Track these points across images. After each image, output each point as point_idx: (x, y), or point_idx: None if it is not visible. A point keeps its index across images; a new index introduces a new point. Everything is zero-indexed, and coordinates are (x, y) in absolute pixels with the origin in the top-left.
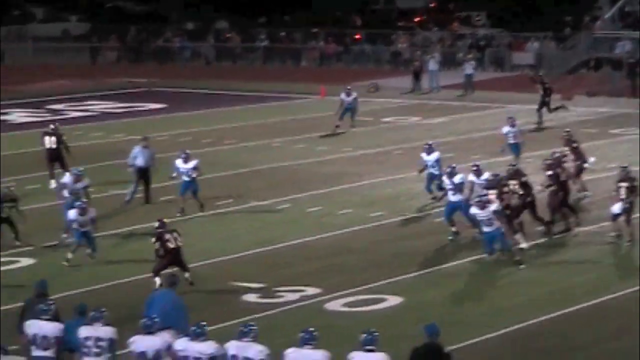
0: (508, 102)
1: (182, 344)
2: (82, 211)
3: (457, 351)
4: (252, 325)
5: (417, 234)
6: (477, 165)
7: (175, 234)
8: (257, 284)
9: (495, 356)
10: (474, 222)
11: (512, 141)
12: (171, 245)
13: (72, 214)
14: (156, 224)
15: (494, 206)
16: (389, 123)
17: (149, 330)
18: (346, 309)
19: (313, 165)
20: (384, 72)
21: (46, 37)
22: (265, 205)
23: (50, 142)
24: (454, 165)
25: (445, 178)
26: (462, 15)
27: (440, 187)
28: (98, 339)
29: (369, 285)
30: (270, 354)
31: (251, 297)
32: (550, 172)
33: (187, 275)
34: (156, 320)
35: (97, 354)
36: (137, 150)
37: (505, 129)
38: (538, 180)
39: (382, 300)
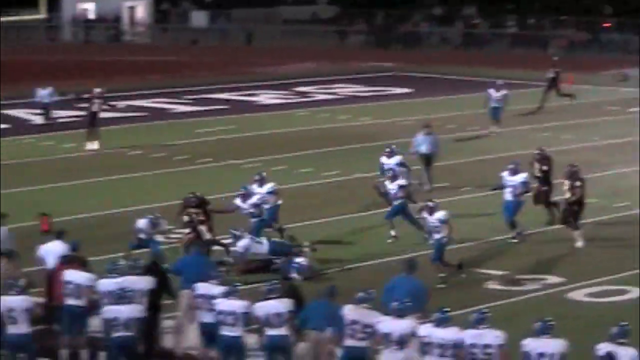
0: None
1: (426, 330)
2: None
3: None
4: (486, 312)
5: None
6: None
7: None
8: (499, 271)
9: None
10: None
11: None
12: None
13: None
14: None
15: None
16: (637, 113)
17: (399, 314)
18: (589, 299)
19: (557, 154)
20: (633, 61)
21: (295, 19)
22: None
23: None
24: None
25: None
26: None
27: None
28: (366, 326)
29: (613, 276)
30: (508, 340)
31: (493, 284)
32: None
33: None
34: (408, 304)
35: (361, 339)
36: (420, 137)
37: None
38: None
39: (626, 291)
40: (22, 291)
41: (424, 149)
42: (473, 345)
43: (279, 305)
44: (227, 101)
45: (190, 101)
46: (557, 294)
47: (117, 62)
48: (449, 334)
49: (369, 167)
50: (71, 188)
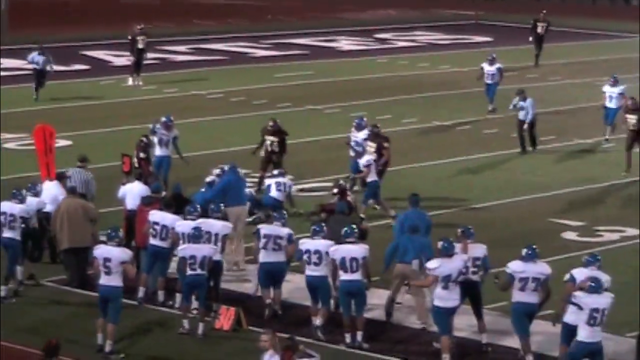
0: None
1: (519, 266)
2: None
3: None
4: (598, 256)
5: None
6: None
7: None
8: (577, 222)
9: None
10: None
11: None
12: None
13: None
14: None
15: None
16: None
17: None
18: None
19: None
20: None
21: None
22: (589, 144)
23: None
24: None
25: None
26: None
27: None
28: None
29: None
30: None
31: (570, 235)
32: None
33: None
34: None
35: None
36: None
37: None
38: None
39: None
40: (121, 243)
41: (521, 115)
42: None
43: (357, 249)
44: (306, 46)
45: (270, 46)
46: (635, 246)
47: (198, 4)
48: (541, 268)
49: (447, 115)
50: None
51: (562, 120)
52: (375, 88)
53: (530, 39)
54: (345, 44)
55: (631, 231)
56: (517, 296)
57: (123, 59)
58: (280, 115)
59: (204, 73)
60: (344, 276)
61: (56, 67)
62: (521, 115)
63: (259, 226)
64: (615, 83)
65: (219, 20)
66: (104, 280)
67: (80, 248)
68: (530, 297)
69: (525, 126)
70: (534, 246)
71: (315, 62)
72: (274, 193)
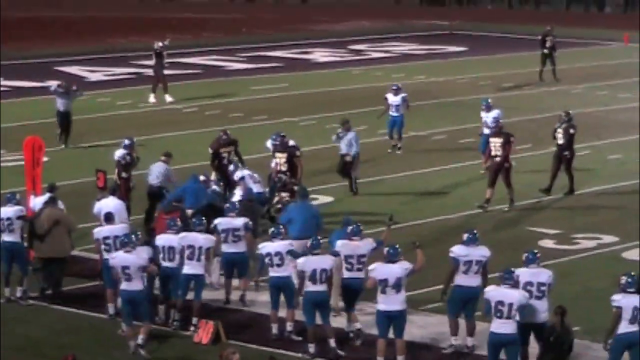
0: None
1: (463, 250)
2: None
3: None
4: (537, 252)
5: None
6: None
7: None
8: (553, 230)
9: None
10: None
11: (394, 113)
12: None
13: None
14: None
15: None
16: None
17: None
18: None
19: (614, 113)
20: None
21: None
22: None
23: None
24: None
25: None
26: None
27: None
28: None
29: None
30: (564, 297)
31: (547, 243)
32: None
33: None
34: None
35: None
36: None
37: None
38: None
39: None
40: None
41: (343, 148)
42: (529, 284)
43: (326, 261)
44: (281, 59)
45: (245, 59)
46: (612, 253)
47: (172, 19)
48: (484, 252)
49: (423, 125)
50: None
51: (537, 128)
52: (350, 99)
53: (542, 52)
54: (319, 55)
55: (607, 238)
56: (460, 279)
57: (98, 74)
58: (256, 127)
59: (179, 87)
60: (311, 287)
61: (30, 84)
62: (343, 148)
63: (216, 221)
64: (489, 109)
65: (194, 34)
66: (124, 285)
67: (59, 258)
68: (472, 280)
69: (348, 158)
70: (475, 231)
71: (290, 74)
72: (256, 187)
